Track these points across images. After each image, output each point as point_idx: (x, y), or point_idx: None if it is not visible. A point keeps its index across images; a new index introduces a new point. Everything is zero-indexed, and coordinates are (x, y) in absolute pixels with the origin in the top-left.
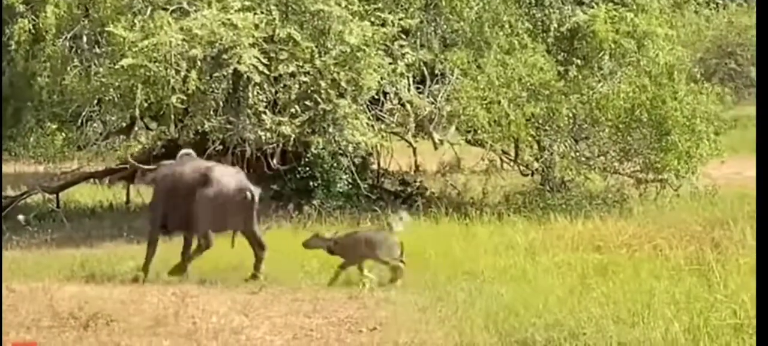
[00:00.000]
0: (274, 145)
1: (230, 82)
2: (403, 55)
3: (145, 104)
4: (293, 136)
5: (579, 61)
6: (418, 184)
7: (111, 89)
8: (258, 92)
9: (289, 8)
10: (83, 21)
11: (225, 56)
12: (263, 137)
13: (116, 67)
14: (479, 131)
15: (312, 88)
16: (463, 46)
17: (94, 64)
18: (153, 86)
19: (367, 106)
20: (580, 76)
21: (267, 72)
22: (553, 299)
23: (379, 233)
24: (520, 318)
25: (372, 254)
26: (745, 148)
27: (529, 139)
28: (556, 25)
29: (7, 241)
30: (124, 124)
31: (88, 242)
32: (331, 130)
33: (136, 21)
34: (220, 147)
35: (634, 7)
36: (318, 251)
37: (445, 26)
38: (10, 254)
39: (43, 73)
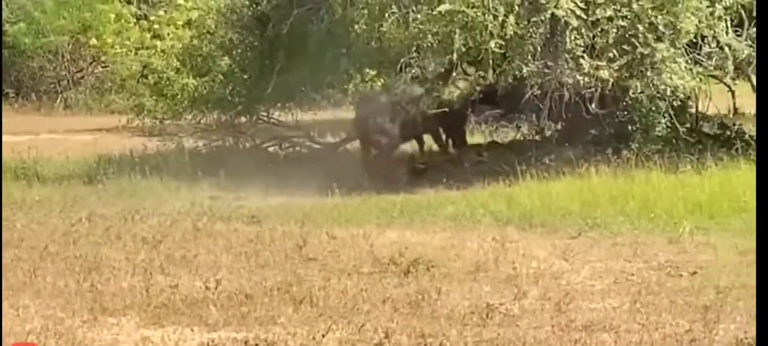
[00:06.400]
0: (592, 89)
1: (548, 26)
2: None
3: (463, 50)
4: (611, 80)
5: None
6: (736, 127)
7: (429, 35)
8: (576, 37)
9: None
10: None
11: (542, 1)
12: (581, 82)
13: (434, 13)
14: None
15: (630, 32)
16: None
17: (412, 10)
18: (471, 32)
19: (685, 49)
20: None
21: (584, 16)
22: None
23: None
24: None
25: None
26: None
27: None
28: None
29: (327, 188)
30: (441, 70)
31: (407, 188)
32: (649, 74)
33: None
34: (538, 92)
35: None
36: (638, 194)
37: None
38: (331, 201)
39: (361, 20)
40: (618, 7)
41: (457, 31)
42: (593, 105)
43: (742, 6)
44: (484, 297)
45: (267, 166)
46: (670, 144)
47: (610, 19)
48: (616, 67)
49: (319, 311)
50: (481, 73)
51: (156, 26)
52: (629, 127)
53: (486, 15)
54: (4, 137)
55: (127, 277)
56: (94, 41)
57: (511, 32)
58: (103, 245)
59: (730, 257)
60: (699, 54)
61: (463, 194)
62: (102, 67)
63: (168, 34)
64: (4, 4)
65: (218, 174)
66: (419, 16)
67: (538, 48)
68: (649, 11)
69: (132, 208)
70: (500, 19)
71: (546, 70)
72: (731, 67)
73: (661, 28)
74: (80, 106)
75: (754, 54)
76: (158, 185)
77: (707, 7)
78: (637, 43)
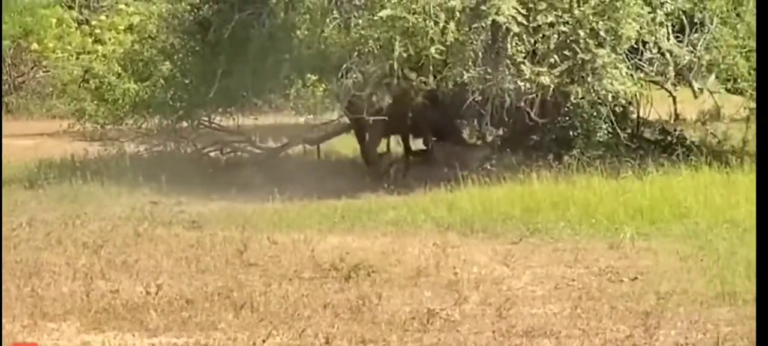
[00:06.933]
0: (533, 95)
1: (489, 33)
2: (662, 3)
3: (404, 56)
4: (552, 86)
5: None
6: (677, 132)
7: (370, 41)
8: (517, 43)
9: None
10: None
11: (483, 7)
12: (522, 88)
13: (375, 18)
14: (739, 80)
15: (571, 38)
16: None
17: (353, 16)
18: (412, 38)
19: (626, 55)
20: None
21: (525, 22)
22: None
23: None
24: None
25: None
26: None
27: None
28: None
29: (269, 193)
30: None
31: (349, 193)
32: (590, 79)
33: None
34: (480, 98)
35: None
36: (579, 200)
37: None
38: (272, 206)
39: (303, 25)
40: (559, 13)
41: (398, 37)
42: (534, 111)
43: (684, 12)
44: (425, 302)
45: (208, 171)
46: (611, 150)
47: (551, 25)
48: (558, 73)
49: (259, 316)
50: (422, 78)
51: (97, 31)
52: (570, 133)
53: (427, 21)
54: None
55: (68, 282)
56: (35, 46)
57: (452, 38)
58: (44, 250)
59: (670, 262)
60: (640, 60)
61: (404, 199)
62: (43, 72)
63: (109, 39)
64: None
65: (159, 179)
66: (361, 21)
67: (480, 54)
68: (591, 17)
69: (73, 213)
70: (441, 25)
71: (487, 76)
72: (672, 73)
73: (602, 33)
74: (21, 110)
75: (695, 60)
76: (99, 190)
77: (648, 13)
78: (578, 49)
